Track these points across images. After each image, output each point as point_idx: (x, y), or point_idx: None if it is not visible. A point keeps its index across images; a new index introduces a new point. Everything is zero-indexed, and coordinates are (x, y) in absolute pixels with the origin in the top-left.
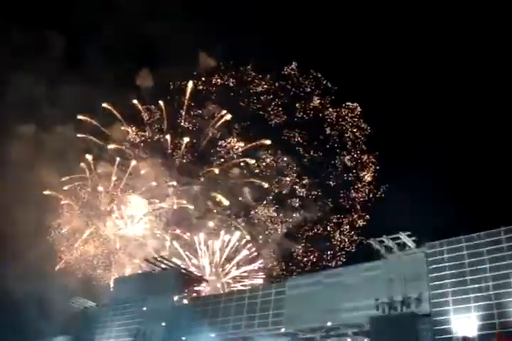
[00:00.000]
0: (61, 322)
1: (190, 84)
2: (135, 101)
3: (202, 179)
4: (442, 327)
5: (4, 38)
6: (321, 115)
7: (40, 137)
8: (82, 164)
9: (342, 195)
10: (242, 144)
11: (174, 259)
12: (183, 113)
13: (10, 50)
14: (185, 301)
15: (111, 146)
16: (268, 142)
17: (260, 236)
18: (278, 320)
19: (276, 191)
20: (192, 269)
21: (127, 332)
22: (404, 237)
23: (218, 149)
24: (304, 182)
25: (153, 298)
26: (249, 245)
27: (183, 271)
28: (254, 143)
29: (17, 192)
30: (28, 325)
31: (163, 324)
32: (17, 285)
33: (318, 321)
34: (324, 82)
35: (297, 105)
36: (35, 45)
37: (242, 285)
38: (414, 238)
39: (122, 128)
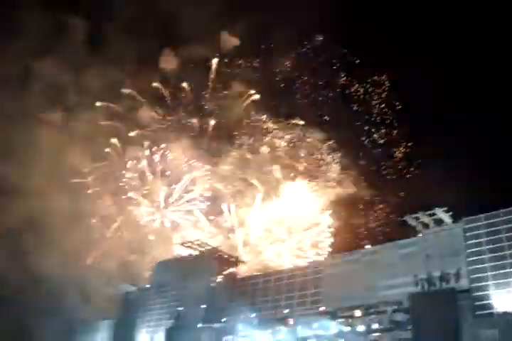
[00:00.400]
0: (104, 307)
1: (215, 61)
2: (158, 84)
3: (231, 159)
4: (482, 302)
5: (26, 24)
6: (347, 91)
7: (67, 124)
8: (110, 150)
9: (375, 171)
10: (270, 125)
11: (210, 241)
12: (209, 94)
13: (32, 37)
14: (224, 283)
15: (136, 132)
16: (300, 122)
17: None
18: (317, 299)
19: (306, 168)
20: (229, 250)
21: (168, 315)
22: (440, 213)
23: (246, 129)
24: (335, 160)
25: (192, 281)
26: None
27: (219, 253)
28: (283, 122)
29: (49, 180)
30: (73, 311)
31: (203, 306)
32: (58, 272)
33: (357, 299)
34: (349, 57)
35: (323, 82)
36: (57, 30)
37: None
38: (450, 213)
39: (148, 112)
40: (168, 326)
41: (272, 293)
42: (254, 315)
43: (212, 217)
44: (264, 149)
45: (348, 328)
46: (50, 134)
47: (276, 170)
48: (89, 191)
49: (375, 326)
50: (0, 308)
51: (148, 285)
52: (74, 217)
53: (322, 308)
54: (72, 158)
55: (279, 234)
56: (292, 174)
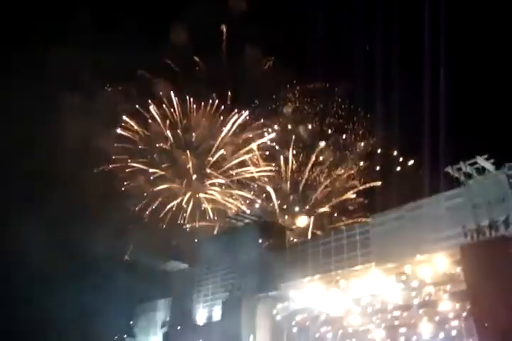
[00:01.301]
0: (158, 285)
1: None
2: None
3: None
4: None
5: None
6: None
7: (85, 105)
8: (134, 125)
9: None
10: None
11: (255, 210)
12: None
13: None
14: (273, 251)
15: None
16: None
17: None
18: (367, 259)
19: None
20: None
21: (223, 288)
22: (482, 161)
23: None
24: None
25: (241, 252)
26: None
27: (266, 222)
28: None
29: (81, 165)
30: (126, 290)
31: (257, 275)
32: (105, 251)
33: (407, 255)
34: None
35: None
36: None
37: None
38: (492, 161)
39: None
40: (224, 299)
41: (322, 257)
42: (306, 279)
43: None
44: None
45: (401, 284)
46: (72, 118)
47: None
48: (125, 171)
49: (428, 280)
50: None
51: (198, 262)
52: (112, 200)
53: (372, 267)
54: (99, 141)
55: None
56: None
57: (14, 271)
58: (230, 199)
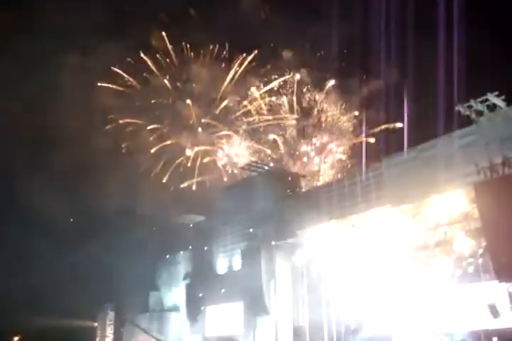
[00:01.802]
0: (177, 239)
1: None
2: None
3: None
4: None
5: None
6: None
7: (80, 62)
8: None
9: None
10: None
11: (266, 159)
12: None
13: None
14: (288, 198)
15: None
16: None
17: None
18: (381, 201)
19: None
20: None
21: (240, 238)
22: (492, 98)
23: None
24: None
25: (256, 201)
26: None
27: (278, 170)
28: None
29: (86, 122)
30: (145, 245)
31: (273, 223)
32: (118, 207)
33: (421, 194)
34: None
35: None
36: None
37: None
38: (503, 97)
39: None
40: (243, 248)
41: (337, 201)
42: (322, 224)
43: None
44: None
45: (417, 225)
46: (73, 77)
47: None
48: (129, 128)
49: (444, 219)
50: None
51: (214, 213)
52: (120, 155)
53: (388, 209)
54: (102, 98)
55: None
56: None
57: (27, 227)
58: (239, 150)
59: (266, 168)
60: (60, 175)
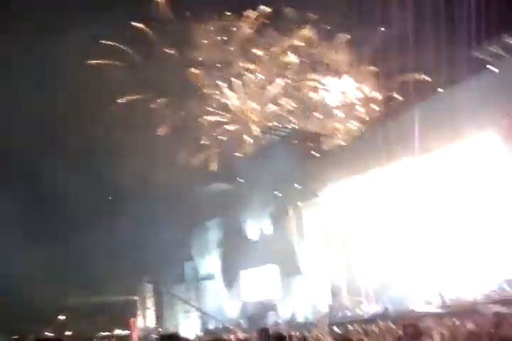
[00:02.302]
0: (205, 208)
1: None
2: None
3: None
4: None
5: None
6: None
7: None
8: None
9: None
10: None
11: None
12: None
13: None
14: (310, 158)
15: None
16: None
17: None
18: (406, 152)
19: None
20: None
21: (267, 201)
22: (509, 39)
23: None
24: None
25: (279, 164)
26: None
27: (298, 131)
28: None
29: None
30: (175, 217)
31: (299, 185)
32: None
33: (447, 142)
34: None
35: None
36: None
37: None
38: None
39: None
40: (271, 212)
41: (359, 158)
42: (346, 181)
43: None
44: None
45: (444, 172)
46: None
47: None
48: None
49: (471, 164)
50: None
51: (240, 179)
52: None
53: (413, 160)
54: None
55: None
56: None
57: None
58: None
59: (287, 130)
60: (75, 153)
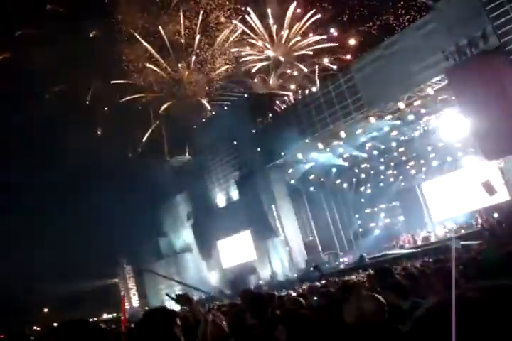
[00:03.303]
0: (171, 182)
1: None
2: None
3: None
4: None
5: None
6: None
7: None
8: None
9: None
10: None
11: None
12: None
13: None
14: (268, 120)
15: None
16: None
17: None
18: (359, 105)
19: None
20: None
21: (231, 168)
22: None
23: None
24: None
25: (238, 129)
26: None
27: (251, 93)
28: None
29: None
30: (141, 194)
31: (258, 148)
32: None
33: (397, 92)
34: None
35: None
36: None
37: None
38: None
39: None
40: (237, 178)
41: (316, 114)
42: (307, 139)
43: None
44: None
45: (398, 121)
46: None
47: None
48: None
49: (423, 111)
50: None
51: (199, 150)
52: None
53: (367, 111)
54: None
55: None
56: None
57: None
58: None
59: (238, 94)
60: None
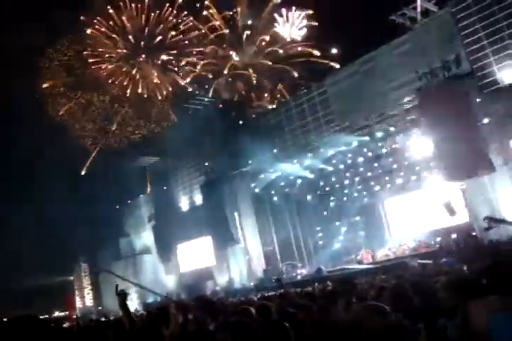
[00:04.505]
0: (135, 183)
1: None
2: None
3: None
4: (487, 80)
5: None
6: None
7: None
8: None
9: None
10: None
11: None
12: None
13: None
14: (237, 127)
15: None
16: None
17: None
18: (330, 119)
19: None
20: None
21: (197, 173)
22: (424, 3)
23: None
24: None
25: (207, 134)
26: None
27: (222, 99)
28: None
29: None
30: (105, 193)
31: (225, 154)
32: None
33: (368, 108)
34: None
35: None
36: None
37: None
38: (434, 1)
39: None
40: (202, 183)
41: (287, 125)
42: (275, 150)
43: None
44: None
45: (367, 137)
46: None
47: None
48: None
49: (392, 129)
50: None
51: (167, 152)
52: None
53: (337, 126)
54: None
55: None
56: None
57: None
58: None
59: (210, 99)
60: None
